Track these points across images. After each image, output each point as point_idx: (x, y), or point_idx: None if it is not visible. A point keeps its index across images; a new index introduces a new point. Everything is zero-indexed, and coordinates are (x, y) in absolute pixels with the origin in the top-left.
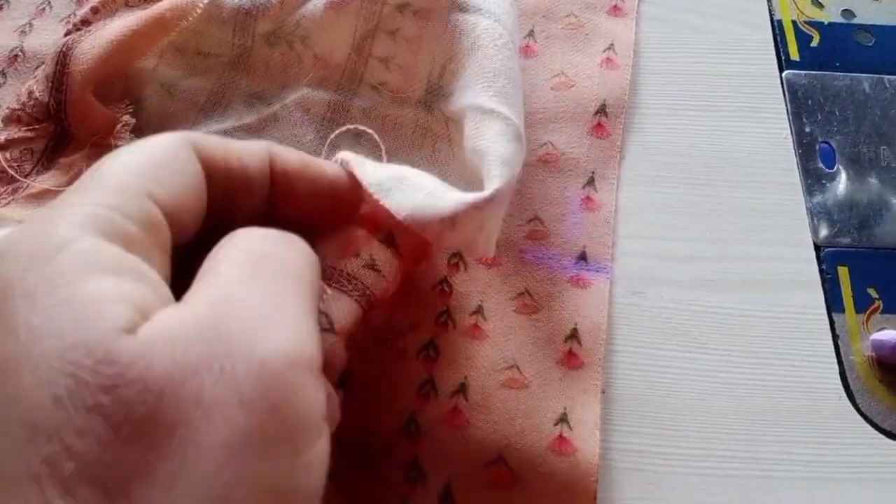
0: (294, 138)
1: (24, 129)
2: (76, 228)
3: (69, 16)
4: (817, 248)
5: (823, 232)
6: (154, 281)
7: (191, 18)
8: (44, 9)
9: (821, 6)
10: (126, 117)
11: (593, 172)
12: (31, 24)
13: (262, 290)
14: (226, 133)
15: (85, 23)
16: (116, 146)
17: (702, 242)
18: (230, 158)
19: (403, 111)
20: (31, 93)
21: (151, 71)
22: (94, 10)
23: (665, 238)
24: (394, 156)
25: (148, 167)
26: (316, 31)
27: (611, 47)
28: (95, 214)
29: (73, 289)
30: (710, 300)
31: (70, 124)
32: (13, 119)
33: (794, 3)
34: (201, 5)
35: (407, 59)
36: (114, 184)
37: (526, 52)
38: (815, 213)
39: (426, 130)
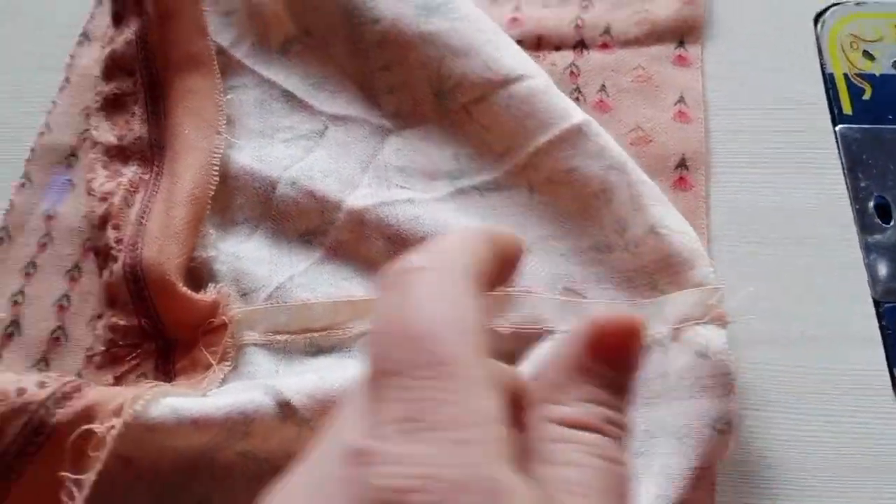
0: None
1: (128, 361)
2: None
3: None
4: (877, 303)
5: (882, 287)
6: None
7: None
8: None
9: (871, 58)
10: (224, 289)
11: None
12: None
13: None
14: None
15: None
16: (230, 321)
17: (760, 300)
18: None
19: None
20: (113, 326)
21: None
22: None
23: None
24: None
25: None
26: None
27: (681, 100)
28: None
29: None
30: (770, 358)
31: (169, 331)
32: (110, 360)
33: (846, 56)
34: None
35: None
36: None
37: (600, 107)
38: (874, 269)
39: None
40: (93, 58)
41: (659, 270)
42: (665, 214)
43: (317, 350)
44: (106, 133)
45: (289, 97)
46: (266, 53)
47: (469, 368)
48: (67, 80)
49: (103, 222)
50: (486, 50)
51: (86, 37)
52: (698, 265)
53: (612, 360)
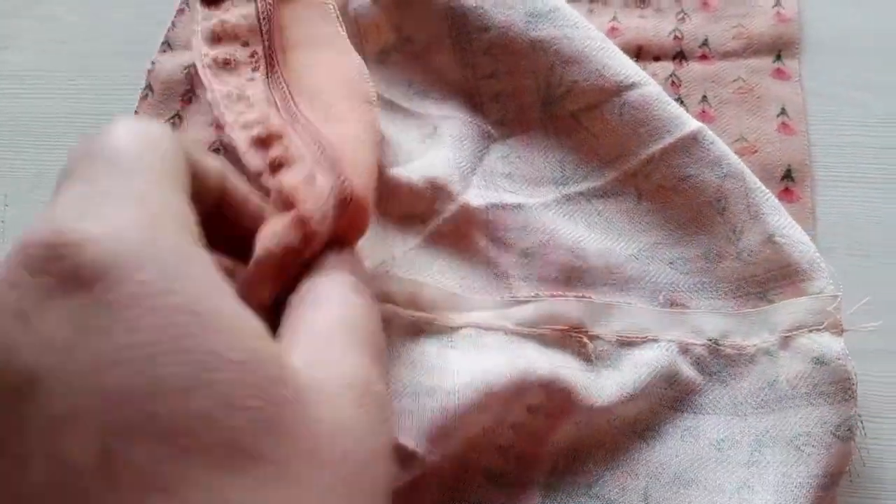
0: None
1: None
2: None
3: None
4: None
5: None
6: None
7: None
8: None
9: None
10: None
11: None
12: None
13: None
14: None
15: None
16: None
17: (865, 314)
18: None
19: None
20: None
21: None
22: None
23: None
24: None
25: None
26: None
27: (783, 112)
28: (187, 220)
29: (216, 302)
30: (879, 370)
31: None
32: None
33: None
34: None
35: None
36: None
37: (703, 117)
38: None
39: None
40: (177, 63)
41: (771, 280)
42: (784, 224)
43: (418, 331)
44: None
45: (391, 106)
46: None
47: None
48: (150, 88)
49: None
50: (598, 57)
51: (168, 45)
52: (816, 276)
53: None
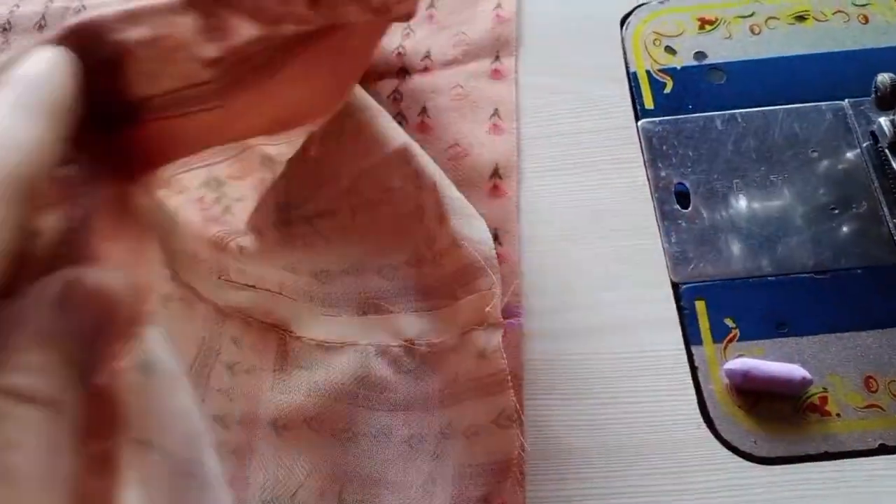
0: None
1: None
2: None
3: None
4: (675, 285)
5: (681, 270)
6: None
7: None
8: None
9: (673, 52)
10: None
11: (496, 229)
12: None
13: None
14: None
15: None
16: None
17: (566, 294)
18: None
19: None
20: None
21: None
22: None
23: (533, 293)
24: None
25: None
26: None
27: (496, 113)
28: None
29: None
30: (576, 349)
31: None
32: None
33: (648, 52)
34: None
35: None
36: None
37: (421, 128)
38: (673, 253)
39: None
40: None
41: (457, 280)
42: (465, 226)
43: None
44: None
45: None
46: None
47: None
48: None
49: None
50: None
51: None
52: (487, 274)
53: None
